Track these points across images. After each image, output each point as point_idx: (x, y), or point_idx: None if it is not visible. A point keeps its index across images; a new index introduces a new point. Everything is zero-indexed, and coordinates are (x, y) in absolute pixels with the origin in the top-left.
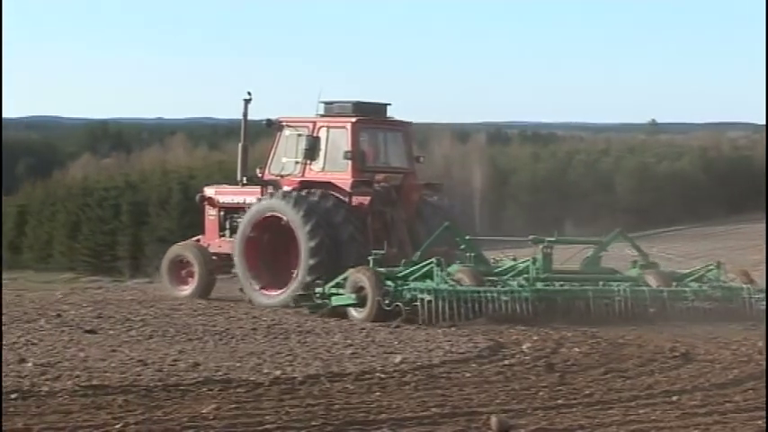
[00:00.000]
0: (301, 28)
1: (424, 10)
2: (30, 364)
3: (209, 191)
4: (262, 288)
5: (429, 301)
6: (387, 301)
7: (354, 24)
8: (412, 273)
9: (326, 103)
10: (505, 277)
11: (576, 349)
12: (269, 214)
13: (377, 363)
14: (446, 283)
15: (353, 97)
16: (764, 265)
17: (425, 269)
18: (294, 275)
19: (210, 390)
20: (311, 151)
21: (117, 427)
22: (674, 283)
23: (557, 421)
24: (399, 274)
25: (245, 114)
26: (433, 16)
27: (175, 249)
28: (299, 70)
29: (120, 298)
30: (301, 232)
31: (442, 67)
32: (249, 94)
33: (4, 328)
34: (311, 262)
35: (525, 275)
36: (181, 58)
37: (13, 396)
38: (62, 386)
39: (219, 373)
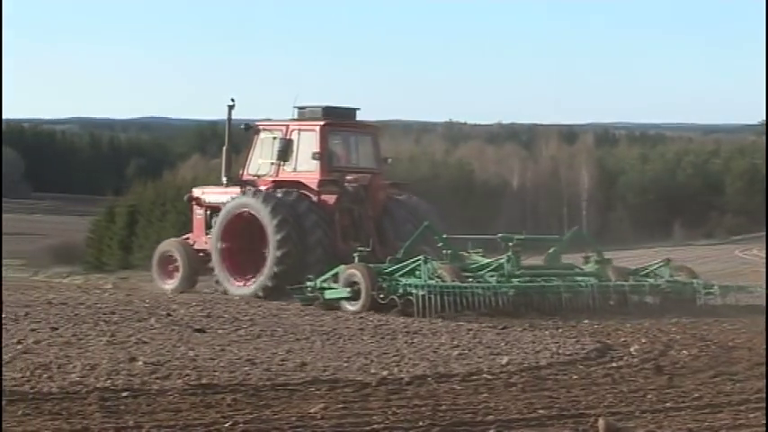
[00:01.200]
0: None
1: (536, 7)
2: (140, 363)
3: (196, 191)
4: (235, 279)
5: (423, 296)
6: (381, 296)
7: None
8: (399, 269)
9: (299, 108)
10: (481, 273)
11: (685, 352)
12: (242, 211)
13: (483, 364)
14: (432, 279)
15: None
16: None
17: (412, 266)
18: (263, 267)
19: (318, 389)
20: (284, 153)
21: (226, 425)
22: (631, 278)
23: (665, 424)
24: (386, 270)
25: (229, 119)
26: (539, 15)
27: (164, 246)
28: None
29: (229, 298)
30: (270, 226)
31: (550, 68)
32: (232, 100)
33: (114, 326)
34: (278, 254)
35: (500, 272)
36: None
37: (123, 394)
38: (172, 384)
39: (327, 373)
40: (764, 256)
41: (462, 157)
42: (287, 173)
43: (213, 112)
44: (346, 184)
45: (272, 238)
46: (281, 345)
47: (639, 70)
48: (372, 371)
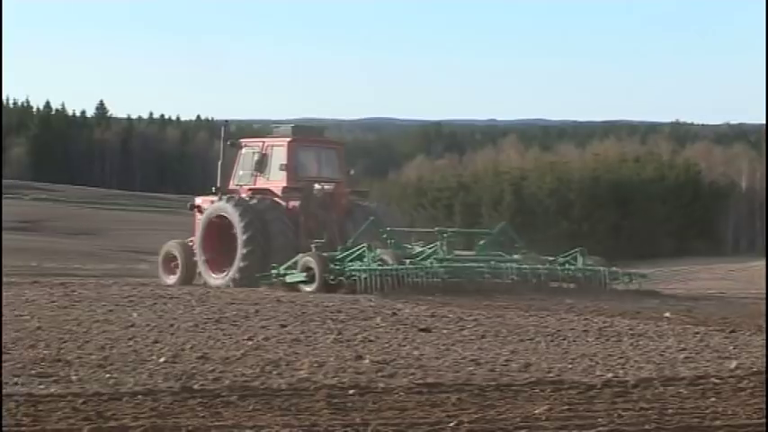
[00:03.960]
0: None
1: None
2: (367, 361)
3: (198, 200)
4: (213, 272)
5: (365, 278)
6: (331, 278)
7: None
8: (347, 256)
9: (275, 126)
10: (419, 258)
11: None
12: (219, 214)
13: (711, 368)
14: (374, 263)
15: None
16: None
17: (358, 252)
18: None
19: (542, 391)
20: (260, 165)
21: (451, 425)
22: (547, 264)
23: None
24: (338, 257)
25: (224, 139)
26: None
27: (167, 247)
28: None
29: (452, 297)
30: (238, 227)
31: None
32: (226, 122)
33: (341, 325)
34: (244, 251)
35: (435, 257)
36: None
37: (350, 392)
38: (398, 383)
39: (551, 375)
40: None
41: (689, 157)
42: (262, 182)
43: (438, 112)
44: (315, 191)
45: (240, 237)
46: (505, 345)
47: None
48: (597, 373)
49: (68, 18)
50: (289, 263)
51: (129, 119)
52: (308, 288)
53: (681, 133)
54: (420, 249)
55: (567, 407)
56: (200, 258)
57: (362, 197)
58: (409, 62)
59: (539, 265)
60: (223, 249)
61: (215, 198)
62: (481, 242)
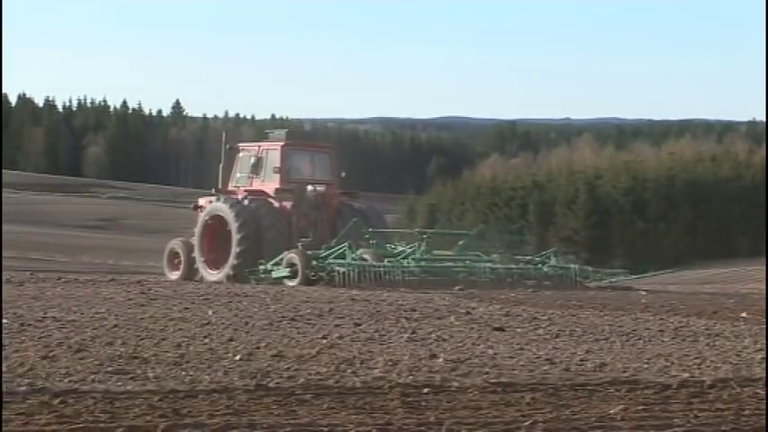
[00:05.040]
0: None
1: None
2: (441, 360)
3: (201, 200)
4: (210, 268)
5: (343, 273)
6: (312, 273)
7: None
8: (331, 253)
9: (269, 132)
10: (399, 257)
11: None
12: (215, 214)
13: None
14: (354, 260)
15: None
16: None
17: (340, 251)
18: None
19: (617, 390)
20: (256, 168)
21: (525, 424)
22: (522, 264)
23: None
24: (321, 255)
25: (224, 143)
26: None
27: (171, 245)
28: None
29: (526, 297)
30: (233, 227)
31: None
32: (226, 132)
33: (415, 323)
34: (237, 249)
35: (413, 256)
36: (585, 59)
37: (424, 390)
38: (472, 382)
39: (626, 374)
40: None
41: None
42: (257, 184)
43: (513, 111)
44: (308, 193)
45: (234, 236)
46: (579, 345)
47: None
48: (673, 373)
49: (146, 18)
50: (275, 259)
51: (204, 118)
52: (290, 283)
53: (757, 132)
54: (401, 249)
55: (642, 407)
56: (198, 255)
57: (352, 198)
58: (484, 61)
59: (512, 265)
60: (219, 247)
61: (215, 198)
62: (460, 242)
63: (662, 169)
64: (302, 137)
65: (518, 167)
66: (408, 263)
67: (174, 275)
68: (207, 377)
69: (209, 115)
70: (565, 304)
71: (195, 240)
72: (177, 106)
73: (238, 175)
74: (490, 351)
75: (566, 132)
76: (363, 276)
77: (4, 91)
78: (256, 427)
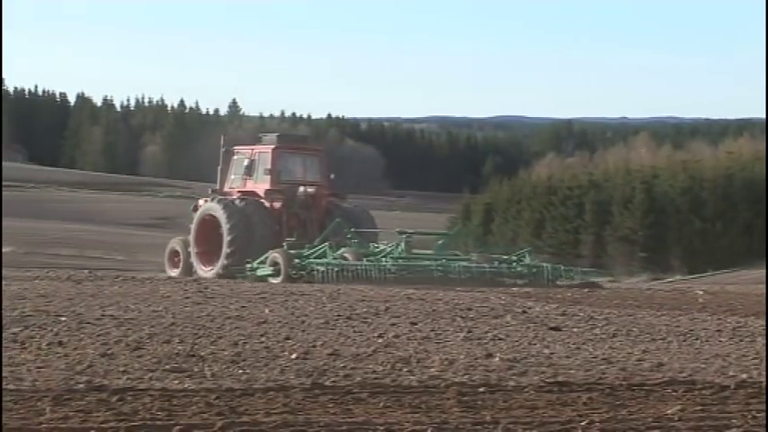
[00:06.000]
0: None
1: None
2: (497, 359)
3: (200, 201)
4: (203, 266)
5: (322, 271)
6: (294, 272)
7: None
8: (313, 253)
9: (262, 135)
10: (379, 256)
11: None
12: (208, 213)
13: None
14: (335, 259)
15: None
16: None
17: (321, 250)
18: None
19: (675, 391)
20: (249, 170)
21: (582, 424)
22: (496, 263)
23: None
24: (304, 254)
25: (223, 145)
26: None
27: (171, 243)
28: None
29: (582, 296)
30: (225, 226)
31: None
32: (224, 136)
33: (471, 322)
34: (228, 251)
35: (391, 255)
36: (643, 57)
37: (480, 389)
38: (528, 381)
39: (684, 375)
40: None
41: None
42: (250, 185)
43: (569, 110)
44: (299, 193)
45: (225, 236)
46: (636, 344)
47: None
48: (731, 373)
49: (203, 17)
50: (261, 258)
51: (261, 117)
52: (274, 280)
53: None
54: (382, 248)
55: (699, 407)
56: (193, 253)
57: (341, 199)
58: (540, 60)
59: (485, 264)
60: (212, 245)
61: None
62: (439, 242)
63: (719, 168)
64: (293, 140)
65: (574, 166)
66: (386, 261)
67: (174, 272)
68: (263, 375)
69: (266, 114)
70: (621, 304)
71: (191, 239)
72: (234, 105)
73: (233, 176)
74: (546, 350)
75: (622, 131)
76: (342, 275)
77: (63, 90)
78: (312, 426)
